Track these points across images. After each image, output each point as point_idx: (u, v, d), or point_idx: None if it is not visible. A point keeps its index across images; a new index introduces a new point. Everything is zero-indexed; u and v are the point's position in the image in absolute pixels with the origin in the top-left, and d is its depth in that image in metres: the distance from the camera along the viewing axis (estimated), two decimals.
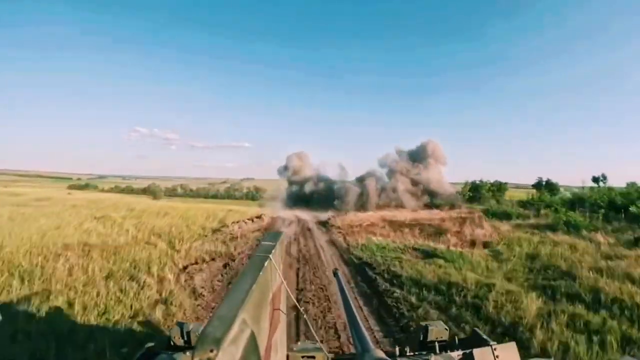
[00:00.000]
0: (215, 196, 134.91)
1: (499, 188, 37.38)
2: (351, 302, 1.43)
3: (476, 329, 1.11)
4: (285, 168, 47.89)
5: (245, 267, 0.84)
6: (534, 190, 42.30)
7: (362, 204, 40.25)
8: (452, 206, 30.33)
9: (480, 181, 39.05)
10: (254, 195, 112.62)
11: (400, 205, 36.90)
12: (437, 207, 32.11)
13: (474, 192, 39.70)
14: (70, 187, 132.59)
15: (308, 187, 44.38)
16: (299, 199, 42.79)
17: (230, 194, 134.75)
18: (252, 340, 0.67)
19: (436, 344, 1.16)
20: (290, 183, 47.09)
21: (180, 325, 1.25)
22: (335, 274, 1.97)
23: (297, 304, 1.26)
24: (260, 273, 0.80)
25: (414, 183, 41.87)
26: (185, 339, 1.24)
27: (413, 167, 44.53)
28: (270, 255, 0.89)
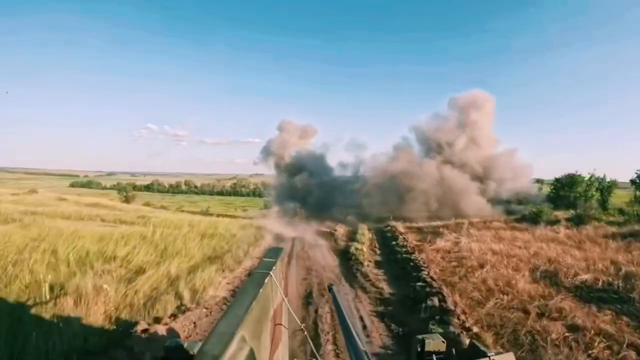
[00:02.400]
0: (221, 192, 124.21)
1: (609, 186, 23.32)
2: (347, 317, 1.26)
3: (474, 341, 0.90)
4: (267, 152, 30.79)
5: (245, 283, 0.79)
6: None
7: (396, 206, 26.51)
8: (576, 221, 16.46)
9: (573, 175, 25.06)
10: (260, 192, 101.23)
11: (454, 210, 23.00)
12: (528, 218, 18.46)
13: (559, 190, 25.83)
14: (73, 185, 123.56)
15: (310, 180, 29.41)
16: (298, 198, 28.41)
17: (236, 191, 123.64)
18: (251, 358, 0.63)
19: (434, 356, 1.00)
20: (281, 170, 31.26)
21: (175, 342, 1.01)
22: (330, 289, 1.74)
23: (298, 321, 1.09)
24: (261, 290, 0.76)
25: (469, 168, 27.31)
26: (182, 357, 1.03)
27: (454, 145, 28.84)
28: (271, 272, 0.85)
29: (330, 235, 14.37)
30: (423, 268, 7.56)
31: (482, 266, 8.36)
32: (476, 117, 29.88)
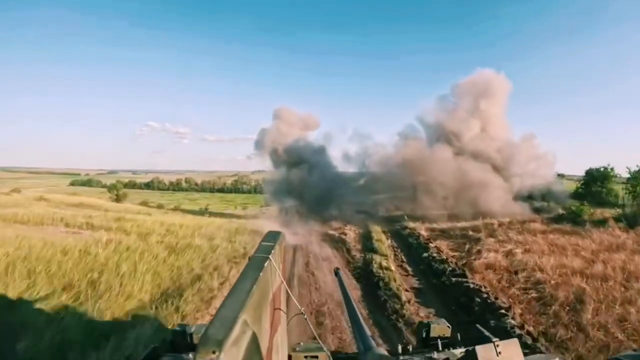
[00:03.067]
0: (221, 190, 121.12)
1: None
2: (353, 300, 1.31)
3: (478, 326, 0.99)
4: (261, 144, 26.36)
5: (244, 268, 0.78)
6: None
7: (407, 202, 23.41)
8: (629, 221, 13.62)
9: (606, 168, 22.02)
10: (262, 189, 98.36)
11: (475, 210, 19.81)
12: (567, 218, 15.54)
13: (591, 185, 22.82)
14: (73, 183, 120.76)
15: (310, 174, 25.37)
16: (297, 195, 24.48)
17: (237, 188, 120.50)
18: (254, 341, 0.64)
19: (439, 341, 1.05)
20: (278, 164, 26.97)
21: (183, 327, 1.12)
22: (336, 273, 1.73)
23: (297, 304, 1.08)
24: (260, 274, 0.75)
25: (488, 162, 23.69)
26: (189, 340, 1.13)
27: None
28: (270, 256, 0.84)
29: (339, 243, 11.41)
30: (502, 309, 4.58)
31: (580, 299, 5.40)
32: (487, 103, 26.22)
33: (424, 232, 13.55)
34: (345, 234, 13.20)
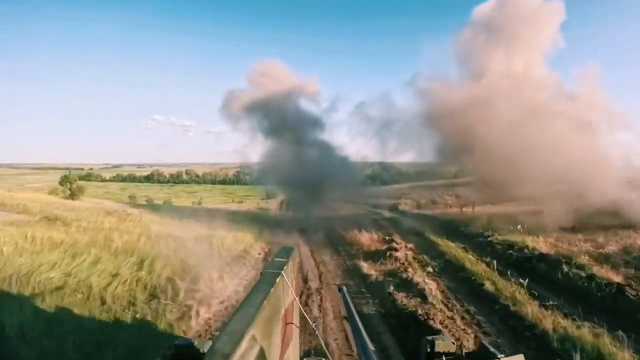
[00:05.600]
0: (223, 181, 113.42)
1: None
2: (357, 316, 1.25)
3: (483, 342, 0.95)
4: (226, 109, 18.19)
5: (256, 283, 0.77)
6: None
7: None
8: None
9: None
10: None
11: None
12: None
13: None
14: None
15: (303, 150, 17.17)
16: (294, 185, 16.50)
17: (239, 179, 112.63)
18: (262, 357, 0.62)
19: (443, 357, 0.97)
20: (259, 133, 18.23)
21: (186, 340, 1.01)
22: (340, 289, 1.67)
23: (309, 320, 1.06)
24: (272, 289, 0.74)
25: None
26: (192, 354, 0.99)
27: None
28: (282, 272, 0.82)
29: None
30: None
31: None
32: (525, 37, 14.35)
33: (616, 278, 5.23)
34: (427, 313, 4.74)
